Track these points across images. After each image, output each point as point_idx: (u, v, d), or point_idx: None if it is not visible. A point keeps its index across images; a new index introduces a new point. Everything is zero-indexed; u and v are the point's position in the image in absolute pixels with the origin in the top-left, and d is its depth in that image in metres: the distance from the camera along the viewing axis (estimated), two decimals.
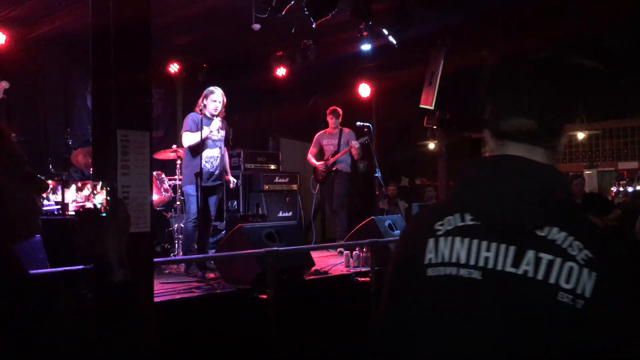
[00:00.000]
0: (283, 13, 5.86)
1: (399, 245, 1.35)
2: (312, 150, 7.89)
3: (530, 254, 1.12)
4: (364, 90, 9.88)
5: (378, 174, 7.49)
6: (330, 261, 5.90)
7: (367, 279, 4.93)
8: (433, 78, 7.81)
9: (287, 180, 8.74)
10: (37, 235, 3.52)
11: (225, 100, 5.88)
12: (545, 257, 1.11)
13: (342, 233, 7.21)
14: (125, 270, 1.34)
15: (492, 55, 8.08)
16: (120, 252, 1.35)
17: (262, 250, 4.06)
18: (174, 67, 8.98)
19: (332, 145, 7.74)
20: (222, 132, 5.92)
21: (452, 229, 1.21)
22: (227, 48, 8.33)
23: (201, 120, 5.67)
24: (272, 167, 9.09)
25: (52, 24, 7.11)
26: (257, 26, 6.25)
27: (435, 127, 9.65)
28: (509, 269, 1.13)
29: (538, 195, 1.16)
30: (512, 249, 1.14)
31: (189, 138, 5.73)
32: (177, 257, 5.99)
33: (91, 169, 5.53)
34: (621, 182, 11.75)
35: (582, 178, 7.30)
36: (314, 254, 5.39)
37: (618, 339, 1.09)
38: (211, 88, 5.88)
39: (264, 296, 4.00)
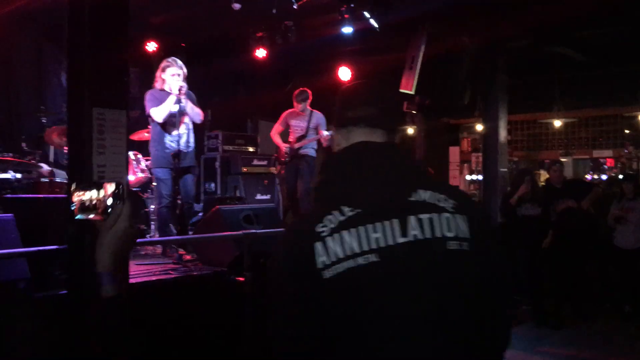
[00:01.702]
0: None
1: (283, 257, 1.29)
2: (278, 127, 7.63)
3: (412, 219, 1.24)
4: (345, 73, 9.84)
5: None
6: None
7: None
8: (414, 62, 7.80)
9: (265, 162, 8.69)
10: (9, 214, 3.45)
11: (185, 71, 5.39)
12: (425, 217, 1.25)
13: None
14: (116, 284, 1.19)
15: (471, 41, 8.11)
16: (115, 267, 1.20)
17: (240, 232, 4.04)
18: (151, 46, 8.82)
19: (299, 128, 7.51)
20: (188, 104, 5.36)
21: (336, 226, 1.24)
22: (207, 28, 8.21)
23: (163, 95, 5.29)
24: (251, 149, 9.03)
25: (26, 0, 6.93)
26: (237, 6, 6.16)
27: (414, 112, 9.66)
28: (400, 239, 1.23)
29: (398, 169, 1.33)
30: (395, 221, 1.24)
31: (159, 112, 5.26)
32: (153, 239, 5.93)
33: (65, 148, 5.41)
34: (595, 171, 11.95)
35: (561, 164, 7.36)
36: None
37: (498, 267, 1.31)
38: (168, 60, 5.44)
39: (241, 279, 3.99)
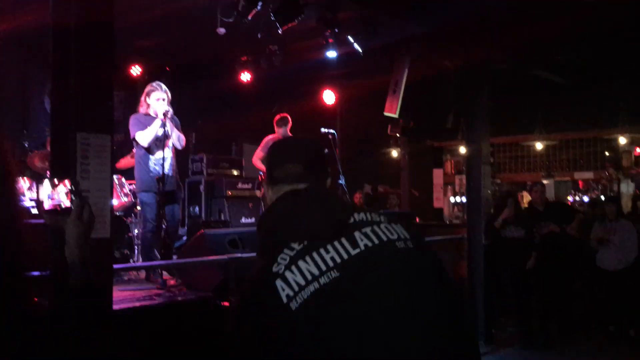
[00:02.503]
0: (249, 18, 5.82)
1: (246, 306, 1.38)
2: (259, 153, 7.67)
3: (358, 234, 1.35)
4: (329, 97, 9.91)
5: (342, 181, 7.50)
6: None
7: None
8: (397, 86, 7.87)
9: (250, 186, 8.66)
10: None
11: (169, 96, 5.42)
12: (367, 229, 1.37)
13: None
14: (88, 274, 1.30)
15: (454, 65, 8.21)
16: (84, 254, 1.32)
17: (225, 256, 4.01)
18: (136, 70, 8.82)
19: None
20: (172, 130, 5.41)
21: (289, 261, 1.31)
22: (191, 51, 8.23)
23: (147, 119, 5.32)
24: (235, 172, 9.01)
25: (10, 23, 6.90)
26: (222, 30, 6.18)
27: (398, 134, 9.73)
28: (353, 252, 1.32)
29: (330, 203, 1.49)
30: (343, 239, 1.34)
31: (144, 136, 5.28)
32: (137, 264, 5.85)
33: (48, 173, 5.35)
34: (576, 192, 12.07)
35: (542, 185, 7.43)
36: None
37: (437, 258, 1.46)
38: (153, 84, 5.46)
39: (227, 304, 3.95)
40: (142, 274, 5.41)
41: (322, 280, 1.27)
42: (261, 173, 7.95)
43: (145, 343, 3.68)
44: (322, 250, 1.31)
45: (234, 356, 1.42)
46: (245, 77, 8.96)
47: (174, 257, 5.71)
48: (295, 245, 1.33)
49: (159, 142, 5.31)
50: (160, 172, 5.25)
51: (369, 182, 11.80)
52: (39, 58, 7.59)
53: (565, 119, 11.11)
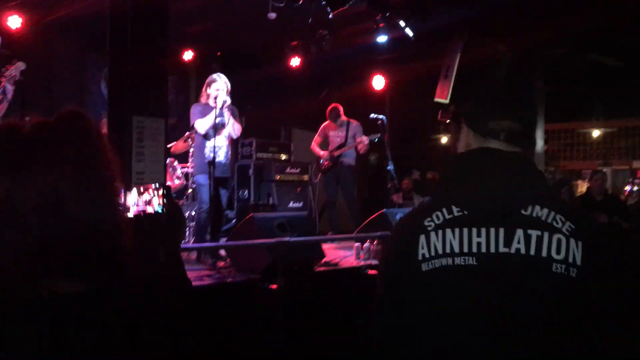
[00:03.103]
0: (300, 2, 5.82)
1: (389, 247, 1.37)
2: (317, 139, 7.88)
3: (519, 232, 1.19)
4: (378, 82, 9.82)
5: (390, 167, 7.46)
6: (340, 253, 5.89)
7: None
8: (449, 71, 7.73)
9: (298, 170, 8.70)
10: None
11: (229, 86, 5.69)
12: (534, 232, 1.19)
13: (356, 224, 7.26)
14: (182, 267, 1.35)
15: (507, 49, 8.02)
16: (175, 258, 1.35)
17: (274, 240, 4.06)
18: (188, 55, 8.96)
19: (339, 137, 7.70)
20: (228, 119, 5.71)
21: (441, 223, 1.25)
22: (242, 37, 8.30)
23: (207, 109, 5.56)
24: (284, 157, 9.06)
25: (69, 8, 7.11)
26: (272, 15, 6.21)
27: (449, 120, 9.58)
28: (502, 249, 1.19)
29: (519, 180, 1.26)
30: (501, 230, 1.21)
31: (202, 124, 5.60)
32: (188, 245, 6.00)
33: None
34: (635, 181, 11.65)
35: (603, 173, 7.20)
36: (324, 245, 5.37)
37: (610, 300, 1.18)
38: (214, 76, 5.71)
39: (274, 286, 4.00)
40: (193, 254, 5.55)
41: (457, 261, 1.21)
42: (319, 161, 8.01)
43: (195, 322, 3.77)
44: (474, 230, 1.22)
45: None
46: (295, 62, 8.98)
47: (223, 239, 5.83)
48: (455, 210, 1.25)
49: (215, 130, 5.59)
50: (209, 158, 5.51)
51: (418, 168, 11.70)
52: (97, 43, 7.80)
53: (624, 105, 10.70)
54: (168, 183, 6.32)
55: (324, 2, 5.92)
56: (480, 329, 1.18)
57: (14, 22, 7.15)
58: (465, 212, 1.24)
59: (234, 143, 6.22)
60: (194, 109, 5.72)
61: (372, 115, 7.53)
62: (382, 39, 7.23)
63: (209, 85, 5.68)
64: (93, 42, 8.02)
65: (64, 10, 7.18)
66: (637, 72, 9.32)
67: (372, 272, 5.00)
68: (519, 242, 1.19)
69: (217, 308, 4.02)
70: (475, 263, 1.20)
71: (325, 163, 7.68)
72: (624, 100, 10.56)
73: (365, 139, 7.44)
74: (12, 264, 0.98)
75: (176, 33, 7.50)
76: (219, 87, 5.63)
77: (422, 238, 1.25)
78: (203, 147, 5.68)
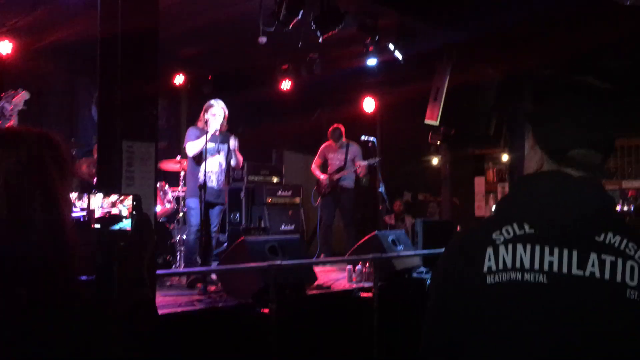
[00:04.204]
0: (290, 27, 5.87)
1: (449, 257, 1.33)
2: (317, 161, 7.86)
3: (593, 256, 1.19)
4: (369, 104, 9.88)
5: (382, 189, 7.47)
6: (332, 276, 5.86)
7: (370, 294, 4.89)
8: (438, 93, 7.81)
9: (290, 193, 8.71)
10: None
11: (226, 112, 5.81)
12: (608, 258, 1.19)
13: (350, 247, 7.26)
14: (146, 289, 1.27)
15: (496, 71, 8.10)
16: (142, 271, 1.29)
17: (265, 263, 4.03)
18: (179, 79, 8.99)
19: (338, 160, 7.70)
20: (223, 146, 5.83)
21: (512, 237, 1.24)
22: (233, 60, 8.35)
23: (202, 133, 5.64)
24: (275, 180, 9.07)
25: (59, 34, 7.13)
26: (263, 39, 6.25)
27: (439, 142, 9.63)
28: (575, 271, 1.19)
29: (593, 206, 1.25)
30: (575, 252, 1.20)
31: (192, 147, 5.69)
32: (179, 270, 5.95)
33: (95, 180, 5.54)
34: (625, 201, 11.71)
35: None
36: (316, 268, 5.35)
37: None
38: (211, 102, 5.81)
39: (266, 310, 3.96)
40: (184, 279, 5.50)
41: (527, 277, 1.20)
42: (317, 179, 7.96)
43: (186, 348, 3.73)
44: (546, 248, 1.20)
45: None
46: (286, 85, 9.03)
47: (214, 263, 5.80)
48: (527, 227, 1.23)
49: (210, 155, 5.64)
50: (208, 184, 5.59)
51: (409, 189, 11.72)
52: (87, 68, 7.82)
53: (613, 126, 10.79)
54: (158, 207, 6.28)
55: (314, 27, 5.97)
56: (544, 346, 1.17)
57: (5, 47, 7.16)
58: (538, 231, 1.23)
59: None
60: (190, 132, 5.80)
61: (363, 137, 7.56)
62: (372, 62, 7.29)
63: (206, 110, 5.77)
64: (83, 67, 8.03)
65: (54, 35, 7.20)
66: (624, 93, 9.43)
67: (364, 294, 4.97)
68: (593, 266, 1.19)
69: (208, 333, 3.97)
70: (545, 281, 1.19)
71: (325, 186, 7.65)
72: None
73: (364, 164, 7.45)
74: None
75: (167, 57, 7.55)
76: (214, 113, 5.72)
77: (490, 250, 1.24)
78: (196, 171, 5.71)
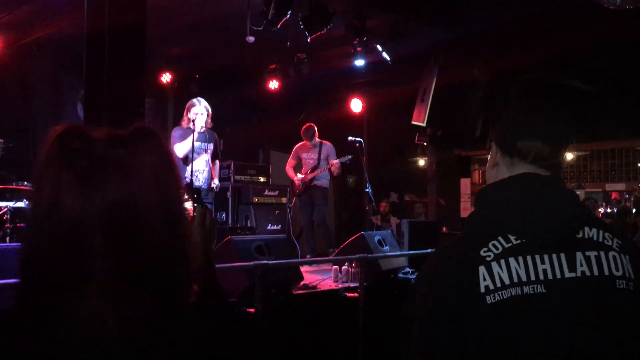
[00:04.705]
0: (278, 26, 5.87)
1: (436, 280, 1.27)
2: (291, 162, 7.80)
3: (579, 255, 1.23)
4: (356, 105, 9.91)
5: (369, 189, 7.49)
6: (317, 276, 5.86)
7: (356, 294, 4.89)
8: (425, 95, 7.85)
9: (276, 193, 8.69)
10: None
11: (209, 111, 5.79)
12: (592, 253, 1.24)
13: (330, 246, 7.22)
14: (214, 276, 1.31)
15: (483, 73, 8.15)
16: (209, 259, 1.33)
17: (252, 263, 4.02)
18: (166, 77, 8.96)
19: (311, 159, 7.63)
20: (209, 145, 5.85)
21: (501, 252, 1.22)
22: (220, 59, 8.33)
23: (187, 132, 5.66)
24: (262, 179, 9.05)
25: (45, 30, 7.08)
26: (251, 38, 6.24)
27: (426, 143, 9.68)
28: (568, 275, 1.21)
29: (566, 205, 1.28)
30: (562, 255, 1.22)
31: (180, 147, 5.69)
32: None
33: None
34: (608, 204, 11.85)
35: (593, 200, 7.34)
36: (302, 268, 5.35)
37: None
38: (194, 100, 5.80)
39: (252, 310, 3.95)
40: None
41: (526, 290, 1.19)
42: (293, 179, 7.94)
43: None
44: (537, 257, 1.21)
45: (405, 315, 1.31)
46: (273, 84, 9.03)
47: None
48: (513, 239, 1.23)
49: (196, 154, 5.65)
50: (195, 183, 5.57)
51: (395, 190, 11.77)
52: (73, 64, 7.76)
53: (596, 129, 10.91)
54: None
55: (302, 26, 5.98)
56: (559, 354, 1.17)
57: None
58: (524, 240, 1.23)
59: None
60: (175, 133, 5.79)
61: (350, 138, 7.57)
62: (359, 62, 7.31)
63: (189, 109, 5.75)
64: (70, 64, 7.97)
65: (40, 31, 7.14)
66: (609, 96, 9.54)
67: (350, 294, 4.98)
68: (581, 265, 1.22)
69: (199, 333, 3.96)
70: (544, 291, 1.19)
71: (299, 186, 7.63)
72: (596, 124, 10.78)
73: (336, 162, 7.42)
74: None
75: (154, 55, 7.51)
76: (197, 112, 5.69)
77: (483, 269, 1.20)
78: (183, 172, 5.69)
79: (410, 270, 5.86)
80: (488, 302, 1.19)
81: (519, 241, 1.23)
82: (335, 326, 4.64)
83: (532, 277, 1.20)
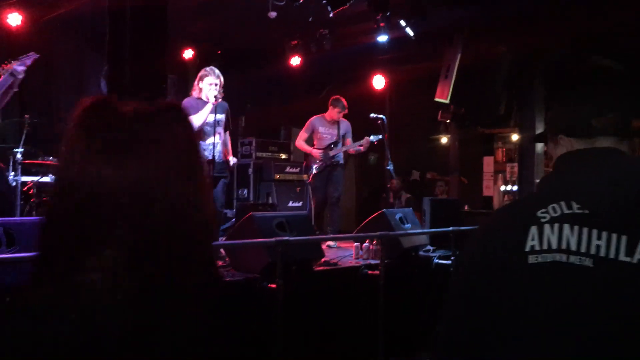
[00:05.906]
0: (300, 1, 5.81)
1: (486, 233, 1.28)
2: (303, 135, 7.23)
3: None
4: (379, 82, 9.82)
5: (390, 167, 7.42)
6: (339, 253, 5.88)
7: (377, 271, 4.90)
8: (449, 72, 7.74)
9: (297, 170, 8.71)
10: None
11: (222, 80, 5.48)
12: None
13: (335, 227, 6.95)
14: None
15: (507, 51, 8.01)
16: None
17: (273, 239, 4.04)
18: (188, 53, 8.96)
19: (330, 134, 7.17)
20: (221, 116, 5.53)
21: (559, 216, 1.19)
22: (242, 35, 8.30)
23: (199, 103, 5.38)
24: (283, 156, 9.07)
25: (69, 6, 7.10)
26: (273, 14, 6.20)
27: (449, 121, 9.58)
28: (622, 257, 1.14)
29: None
30: (623, 238, 1.15)
31: (195, 120, 5.30)
32: None
33: None
34: None
35: None
36: (323, 245, 5.37)
37: None
38: (207, 69, 5.53)
39: (273, 285, 3.99)
40: None
41: (572, 259, 1.16)
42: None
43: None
44: (594, 232, 1.16)
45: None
46: (295, 61, 8.97)
47: (222, 238, 5.81)
48: (576, 207, 1.19)
49: (210, 127, 5.40)
50: (210, 157, 5.36)
51: (417, 168, 11.71)
52: (96, 41, 7.79)
53: None
54: None
55: (324, 1, 5.92)
56: (587, 331, 1.14)
57: (14, 19, 7.15)
58: (587, 211, 1.18)
59: (233, 142, 6.13)
60: (186, 104, 5.42)
61: (372, 115, 7.48)
62: (382, 38, 7.22)
63: (201, 79, 5.48)
64: (93, 41, 8.00)
65: (63, 8, 7.17)
66: (637, 75, 9.31)
67: (371, 272, 4.99)
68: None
69: (215, 307, 4.01)
70: (591, 265, 1.15)
71: (321, 162, 7.11)
72: None
73: (366, 140, 7.10)
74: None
75: (176, 32, 7.50)
76: (211, 82, 5.42)
77: (534, 229, 1.19)
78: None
79: (431, 248, 5.84)
80: (529, 262, 1.17)
81: (580, 211, 1.19)
82: (355, 303, 4.66)
83: (583, 249, 1.16)
